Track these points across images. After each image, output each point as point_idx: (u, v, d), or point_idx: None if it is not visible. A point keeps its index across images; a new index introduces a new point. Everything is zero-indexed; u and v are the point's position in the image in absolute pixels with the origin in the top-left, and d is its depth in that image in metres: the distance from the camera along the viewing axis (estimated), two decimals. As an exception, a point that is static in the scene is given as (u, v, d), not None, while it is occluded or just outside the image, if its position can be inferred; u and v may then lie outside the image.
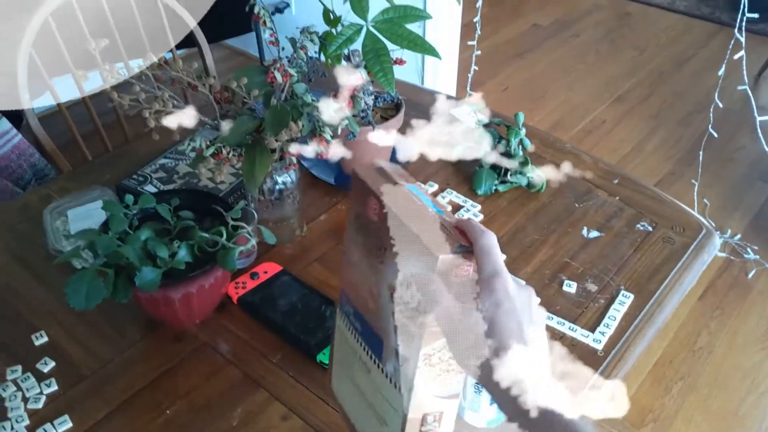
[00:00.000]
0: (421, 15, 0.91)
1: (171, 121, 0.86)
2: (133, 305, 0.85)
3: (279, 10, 2.65)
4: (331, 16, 0.97)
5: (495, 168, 1.11)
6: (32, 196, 1.17)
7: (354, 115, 0.96)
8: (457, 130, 0.54)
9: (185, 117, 0.69)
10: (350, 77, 0.92)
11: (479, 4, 2.14)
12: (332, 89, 0.95)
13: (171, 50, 1.59)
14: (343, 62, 0.97)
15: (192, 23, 1.60)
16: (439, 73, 2.52)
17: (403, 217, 0.46)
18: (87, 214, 1.07)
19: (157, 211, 0.86)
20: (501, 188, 1.10)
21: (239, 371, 0.84)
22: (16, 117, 1.69)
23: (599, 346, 0.85)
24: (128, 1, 1.54)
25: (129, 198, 0.85)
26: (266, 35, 0.94)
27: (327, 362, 0.82)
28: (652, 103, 2.87)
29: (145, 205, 0.85)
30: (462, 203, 1.08)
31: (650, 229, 1.03)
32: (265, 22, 0.89)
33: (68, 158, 1.46)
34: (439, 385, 0.49)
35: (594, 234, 1.02)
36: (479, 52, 2.26)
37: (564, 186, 1.12)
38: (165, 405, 0.80)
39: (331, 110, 0.90)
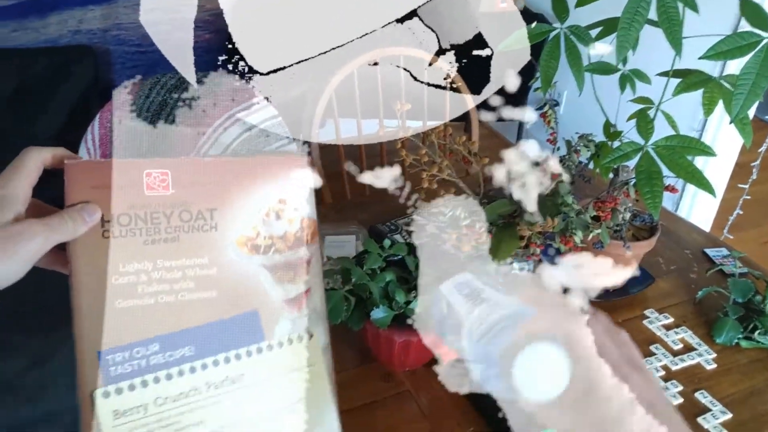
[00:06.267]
0: (705, 150, 0.91)
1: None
2: (355, 335, 0.93)
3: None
4: (612, 129, 1.01)
5: (742, 320, 1.03)
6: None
7: (608, 227, 0.98)
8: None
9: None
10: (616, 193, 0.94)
11: (763, 148, 2.02)
12: (593, 197, 0.98)
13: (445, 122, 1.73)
14: (611, 175, 0.99)
15: (471, 104, 1.73)
16: (696, 206, 2.40)
17: None
18: (340, 244, 1.21)
19: (404, 260, 0.95)
20: (744, 344, 1.02)
21: (430, 428, 0.87)
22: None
23: None
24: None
25: (387, 242, 0.95)
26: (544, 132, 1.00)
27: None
28: None
29: (398, 252, 0.95)
30: (696, 345, 1.02)
31: None
32: (549, 122, 0.95)
33: (331, 189, 1.66)
34: None
35: None
36: (749, 197, 2.12)
37: (819, 364, 1.01)
38: (357, 435, 0.86)
39: (587, 217, 0.93)
